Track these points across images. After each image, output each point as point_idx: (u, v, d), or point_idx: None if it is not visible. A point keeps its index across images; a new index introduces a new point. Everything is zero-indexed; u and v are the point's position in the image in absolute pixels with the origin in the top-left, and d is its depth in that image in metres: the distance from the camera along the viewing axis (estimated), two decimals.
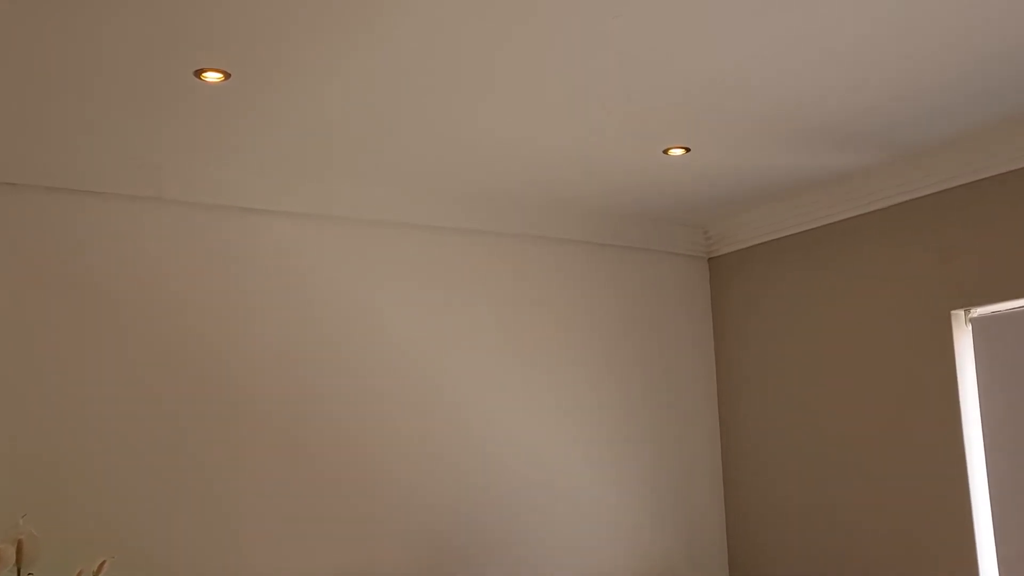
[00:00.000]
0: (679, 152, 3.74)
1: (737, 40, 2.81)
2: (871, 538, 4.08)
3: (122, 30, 2.61)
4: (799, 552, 4.38)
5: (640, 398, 4.61)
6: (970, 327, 3.87)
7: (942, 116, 3.48)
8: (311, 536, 3.78)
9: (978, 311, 3.85)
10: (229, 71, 2.89)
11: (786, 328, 4.53)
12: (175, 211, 3.76)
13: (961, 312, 3.88)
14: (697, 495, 4.70)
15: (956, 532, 3.77)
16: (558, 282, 4.55)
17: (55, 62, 2.80)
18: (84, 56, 2.76)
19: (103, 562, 3.05)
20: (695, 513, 4.68)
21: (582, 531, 4.35)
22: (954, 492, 3.79)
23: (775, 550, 4.45)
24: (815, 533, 4.32)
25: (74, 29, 2.60)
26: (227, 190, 3.82)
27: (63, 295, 3.51)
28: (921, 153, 3.83)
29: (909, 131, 3.61)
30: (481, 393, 4.22)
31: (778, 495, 4.48)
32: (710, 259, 4.94)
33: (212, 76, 2.92)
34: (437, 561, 3.98)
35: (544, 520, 4.26)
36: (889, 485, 4.02)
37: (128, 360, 3.59)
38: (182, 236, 3.76)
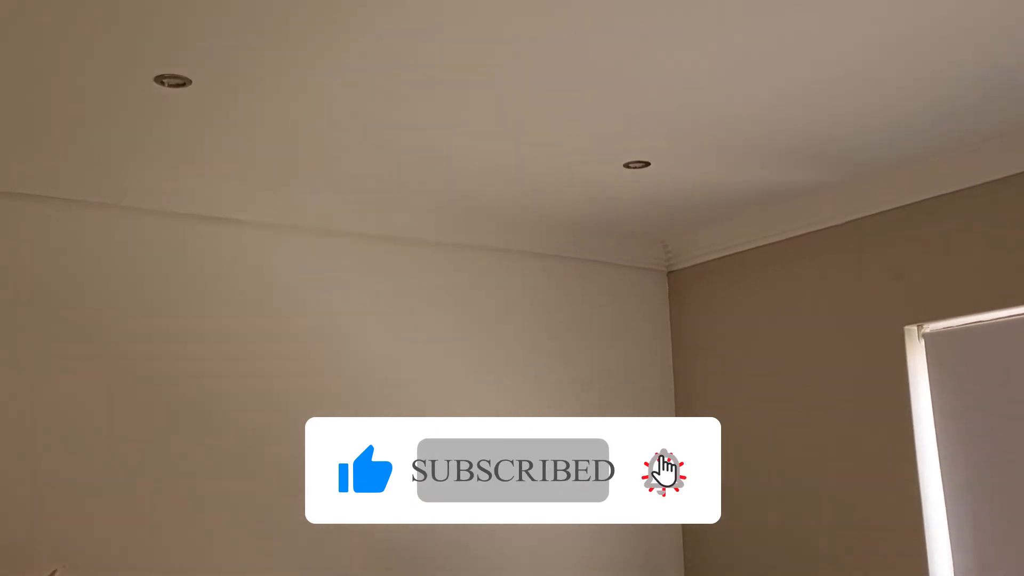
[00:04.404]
0: (639, 166, 3.78)
1: (697, 55, 2.83)
2: (825, 551, 4.11)
3: (81, 35, 2.58)
4: (753, 562, 4.40)
5: (598, 410, 4.61)
6: (923, 343, 3.92)
7: (899, 136, 3.52)
8: (275, 546, 3.74)
9: (931, 327, 3.90)
10: (190, 77, 2.88)
11: (743, 342, 4.57)
12: (135, 219, 3.73)
13: (914, 328, 3.92)
14: None
15: (908, 545, 3.81)
16: (518, 294, 4.56)
17: (12, 67, 2.77)
18: (42, 60, 2.73)
19: (54, 571, 3.01)
20: (651, 524, 4.68)
21: (537, 540, 4.33)
22: (907, 504, 3.82)
23: (730, 561, 4.47)
24: (769, 546, 4.35)
25: (31, 34, 2.57)
26: (188, 198, 3.79)
27: (21, 300, 3.48)
28: (877, 172, 3.88)
29: (865, 150, 3.66)
30: (440, 403, 4.21)
31: (733, 507, 4.48)
32: (669, 272, 4.97)
33: (172, 82, 2.90)
34: (394, 568, 3.95)
35: (499, 528, 4.23)
36: (843, 498, 4.06)
37: (89, 367, 3.55)
38: (142, 244, 3.73)
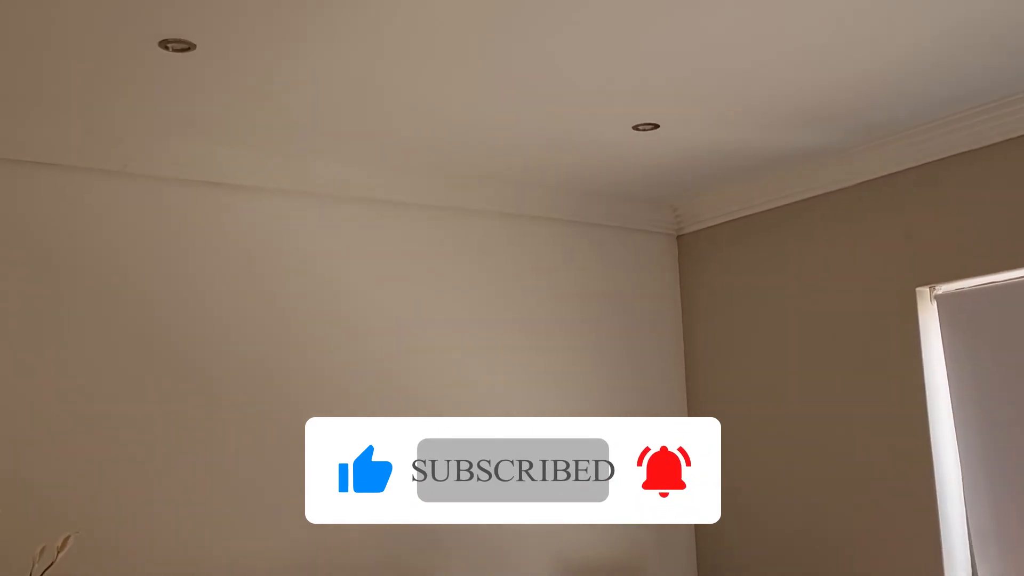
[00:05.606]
0: (648, 128, 3.73)
1: (707, 16, 2.79)
2: (837, 514, 4.12)
3: None
4: (765, 529, 4.42)
5: (608, 374, 4.62)
6: (935, 304, 3.90)
7: (910, 98, 3.48)
8: (281, 517, 3.76)
9: (943, 288, 3.88)
10: (194, 42, 2.84)
11: (754, 305, 4.55)
12: (140, 185, 3.72)
13: (927, 289, 3.90)
14: None
15: (920, 504, 3.82)
16: (527, 259, 4.53)
17: (15, 31, 2.75)
18: (45, 25, 2.71)
19: (67, 537, 3.02)
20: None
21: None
22: (919, 467, 3.83)
23: (742, 529, 4.48)
24: (781, 509, 4.37)
25: None
26: (194, 164, 3.77)
27: (23, 270, 3.48)
28: (888, 133, 3.84)
29: (876, 112, 3.62)
30: (448, 370, 4.22)
31: (744, 472, 4.50)
32: (679, 236, 4.94)
33: (177, 47, 2.86)
34: (403, 551, 3.97)
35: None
36: (855, 461, 4.06)
37: (91, 336, 3.57)
38: (147, 211, 3.72)
